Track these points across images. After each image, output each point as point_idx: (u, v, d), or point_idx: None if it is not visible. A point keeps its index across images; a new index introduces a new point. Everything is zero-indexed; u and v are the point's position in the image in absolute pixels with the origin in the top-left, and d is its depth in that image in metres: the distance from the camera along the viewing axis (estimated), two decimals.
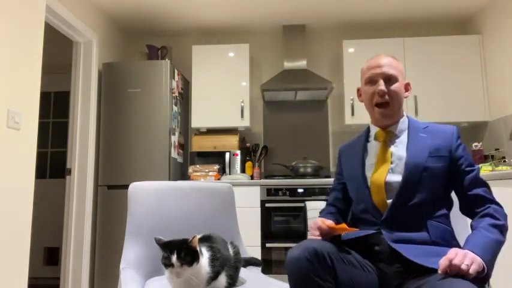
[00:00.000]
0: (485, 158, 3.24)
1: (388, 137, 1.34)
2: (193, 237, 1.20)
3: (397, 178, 1.25)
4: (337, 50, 3.88)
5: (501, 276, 2.29)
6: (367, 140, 1.40)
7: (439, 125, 1.33)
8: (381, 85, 1.29)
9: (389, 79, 1.31)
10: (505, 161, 2.85)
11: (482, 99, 3.36)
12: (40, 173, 3.89)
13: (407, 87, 1.38)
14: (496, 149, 3.16)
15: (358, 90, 1.45)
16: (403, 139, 1.32)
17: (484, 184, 1.23)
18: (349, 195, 1.41)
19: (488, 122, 3.36)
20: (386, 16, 3.61)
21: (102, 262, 3.10)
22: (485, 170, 2.66)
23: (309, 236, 1.25)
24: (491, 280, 0.96)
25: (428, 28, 3.85)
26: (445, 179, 1.24)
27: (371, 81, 1.33)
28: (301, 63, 3.64)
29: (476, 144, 3.28)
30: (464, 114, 3.36)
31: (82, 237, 3.02)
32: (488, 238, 1.06)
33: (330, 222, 1.24)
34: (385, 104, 1.30)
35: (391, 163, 1.28)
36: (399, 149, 1.30)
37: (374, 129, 1.38)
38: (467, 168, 1.23)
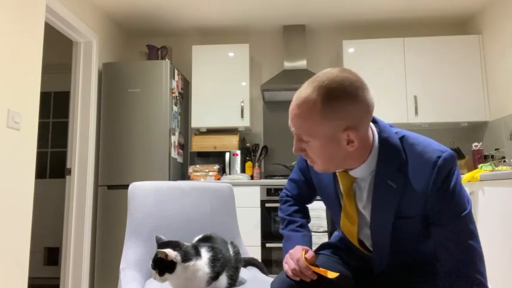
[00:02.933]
0: (485, 158, 3.25)
1: (350, 182, 1.02)
2: (162, 252, 1.19)
3: (369, 233, 1.06)
4: (337, 50, 3.88)
5: (501, 275, 2.29)
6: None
7: (420, 159, 0.95)
8: (294, 146, 0.98)
9: (301, 139, 0.96)
10: (505, 161, 2.85)
11: (482, 99, 3.36)
12: (40, 173, 3.89)
13: (348, 138, 0.92)
14: (496, 149, 3.16)
15: None
16: (367, 188, 1.01)
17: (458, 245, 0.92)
18: (315, 192, 1.26)
19: (488, 122, 3.36)
20: (386, 16, 3.61)
21: (102, 262, 3.10)
22: (485, 170, 2.66)
23: (285, 268, 1.05)
24: (491, 280, 0.95)
25: (428, 28, 3.85)
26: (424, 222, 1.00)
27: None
28: (301, 63, 3.64)
29: (476, 144, 3.28)
30: (464, 114, 3.36)
31: (82, 237, 3.02)
32: None
33: (310, 255, 1.04)
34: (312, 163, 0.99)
35: (359, 217, 1.06)
36: (364, 205, 1.03)
37: None
38: (439, 222, 0.95)
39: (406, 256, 1.09)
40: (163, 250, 1.17)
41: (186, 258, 1.20)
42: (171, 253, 1.17)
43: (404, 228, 1.00)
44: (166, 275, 1.19)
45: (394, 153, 0.97)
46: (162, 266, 1.18)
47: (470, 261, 0.91)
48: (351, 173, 1.00)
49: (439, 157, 0.92)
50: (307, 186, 1.26)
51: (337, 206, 1.10)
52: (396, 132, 1.01)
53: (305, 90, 0.92)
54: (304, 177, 1.26)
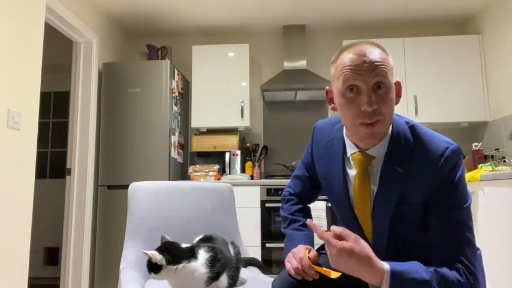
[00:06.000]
0: (485, 158, 3.25)
1: (367, 163, 1.02)
2: (146, 254, 1.22)
3: None
4: (337, 50, 3.87)
5: (501, 275, 2.29)
6: (344, 153, 1.08)
7: (428, 148, 0.97)
8: (369, 101, 0.92)
9: (380, 86, 0.94)
10: (505, 161, 2.85)
11: (482, 99, 3.36)
12: (40, 173, 3.89)
13: (398, 88, 1.01)
14: (496, 149, 3.16)
15: (328, 92, 1.06)
16: (377, 172, 1.02)
17: (459, 242, 0.92)
18: (319, 188, 1.27)
19: (488, 122, 3.36)
20: (386, 16, 3.61)
21: (102, 262, 3.10)
22: (485, 170, 2.66)
23: (287, 266, 1.04)
24: (491, 280, 0.95)
25: (428, 28, 3.85)
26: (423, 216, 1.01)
27: (351, 88, 0.95)
28: (301, 63, 3.64)
29: (476, 144, 3.28)
30: (464, 114, 3.36)
31: (82, 237, 3.02)
32: (419, 273, 0.87)
33: (313, 254, 1.04)
34: (374, 123, 0.95)
35: (371, 201, 1.04)
36: (375, 189, 1.03)
37: (350, 148, 1.05)
38: (438, 210, 0.95)
39: (406, 253, 1.08)
40: (147, 252, 1.20)
41: (174, 260, 1.21)
42: (155, 256, 1.20)
43: (404, 216, 1.00)
44: (153, 274, 1.21)
45: (403, 140, 1.00)
46: (150, 266, 1.22)
47: (464, 251, 0.92)
48: (369, 151, 1.01)
49: (447, 148, 0.95)
50: (311, 183, 1.26)
51: (346, 198, 1.08)
52: (406, 122, 1.04)
53: (372, 46, 0.97)
54: (308, 173, 1.26)
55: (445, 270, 0.89)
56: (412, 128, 1.02)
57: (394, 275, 0.85)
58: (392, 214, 1.01)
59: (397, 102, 1.01)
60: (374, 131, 0.95)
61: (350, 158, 1.05)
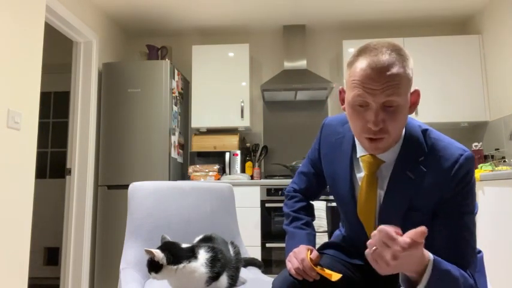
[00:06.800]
0: (485, 158, 3.25)
1: (376, 167, 1.01)
2: (149, 251, 1.22)
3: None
4: (337, 50, 3.88)
5: (501, 275, 2.29)
6: (353, 152, 1.08)
7: (442, 155, 0.95)
8: (375, 121, 0.90)
9: (391, 105, 0.91)
10: (505, 161, 2.85)
11: (482, 99, 3.36)
12: (40, 173, 3.89)
13: (414, 98, 0.97)
14: (496, 149, 3.16)
15: (341, 92, 1.04)
16: (388, 177, 1.00)
17: (466, 248, 0.92)
18: (324, 185, 1.27)
19: (488, 122, 3.36)
20: (386, 16, 3.61)
21: (102, 262, 3.10)
22: (485, 170, 2.66)
23: (288, 266, 1.05)
24: (491, 280, 0.95)
25: (428, 28, 3.85)
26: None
27: (360, 103, 0.92)
28: (301, 63, 3.64)
29: (476, 144, 3.28)
30: (464, 114, 3.36)
31: (82, 237, 3.02)
32: (451, 266, 0.86)
33: (315, 255, 1.04)
34: (378, 138, 0.94)
35: (377, 205, 1.03)
36: (382, 193, 1.02)
37: (360, 150, 1.04)
38: (446, 215, 0.94)
39: None
40: (150, 250, 1.20)
41: (174, 260, 1.21)
42: (158, 254, 1.20)
43: (412, 222, 0.98)
44: (153, 274, 1.21)
45: (415, 145, 0.98)
46: (151, 265, 1.22)
47: (470, 259, 0.92)
48: (380, 155, 0.99)
49: (461, 155, 0.94)
50: (316, 180, 1.26)
51: (351, 199, 1.07)
52: (419, 125, 1.02)
53: (390, 56, 0.90)
54: (314, 169, 1.25)
55: (463, 272, 0.89)
56: (426, 132, 1.00)
57: (436, 263, 0.82)
58: (400, 219, 1.00)
59: (411, 112, 0.97)
60: (378, 146, 0.94)
61: (359, 159, 1.04)
